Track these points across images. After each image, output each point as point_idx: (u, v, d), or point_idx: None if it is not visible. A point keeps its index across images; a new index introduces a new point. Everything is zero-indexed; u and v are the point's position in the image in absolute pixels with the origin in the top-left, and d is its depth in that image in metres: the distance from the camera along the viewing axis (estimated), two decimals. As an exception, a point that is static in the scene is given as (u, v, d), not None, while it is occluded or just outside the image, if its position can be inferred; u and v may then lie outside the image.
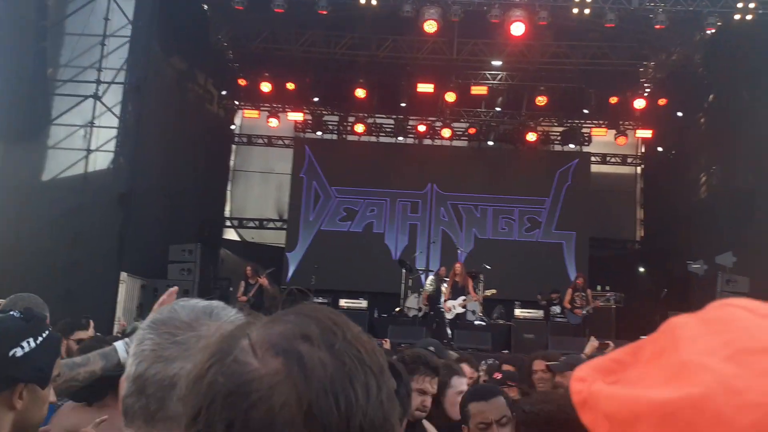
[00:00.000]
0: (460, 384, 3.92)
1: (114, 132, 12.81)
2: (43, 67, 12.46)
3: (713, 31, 13.36)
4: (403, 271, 15.61)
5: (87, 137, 12.55)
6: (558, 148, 19.61)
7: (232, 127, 19.75)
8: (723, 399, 0.50)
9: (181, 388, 1.08)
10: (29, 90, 12.33)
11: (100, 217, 11.91)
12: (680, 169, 16.96)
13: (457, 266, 13.40)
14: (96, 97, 12.56)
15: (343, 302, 14.36)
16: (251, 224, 19.90)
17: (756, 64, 13.51)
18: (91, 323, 5.04)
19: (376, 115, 19.30)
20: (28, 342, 1.76)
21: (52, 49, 12.64)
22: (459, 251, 17.12)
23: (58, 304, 9.92)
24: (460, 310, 13.06)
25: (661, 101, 17.43)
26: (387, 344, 7.67)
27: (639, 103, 17.48)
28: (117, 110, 12.82)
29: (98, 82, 12.64)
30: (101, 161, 12.72)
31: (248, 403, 0.77)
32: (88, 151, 12.48)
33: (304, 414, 0.76)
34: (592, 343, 6.30)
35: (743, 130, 13.93)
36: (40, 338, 1.79)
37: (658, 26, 12.99)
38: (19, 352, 1.73)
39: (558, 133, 19.53)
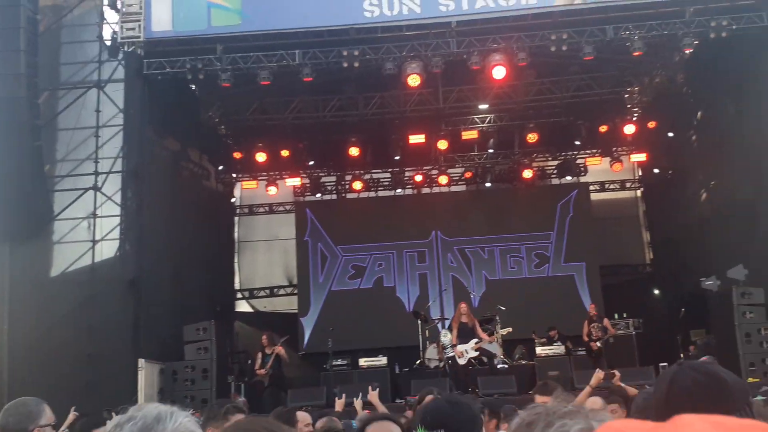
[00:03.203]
0: None
1: (117, 220, 12.92)
2: (41, 165, 12.63)
3: (691, 50, 13.56)
4: (419, 322, 15.52)
5: (91, 228, 12.68)
6: (556, 181, 19.72)
7: (233, 199, 19.92)
8: None
9: None
10: (29, 189, 12.50)
11: (112, 306, 11.96)
12: (679, 188, 17.01)
13: (462, 306, 12.89)
14: (96, 188, 12.74)
15: (362, 362, 14.14)
16: (262, 293, 19.90)
17: (738, 77, 13.68)
18: (113, 416, 4.96)
19: (372, 171, 19.49)
20: None
21: (48, 146, 12.80)
22: (472, 295, 17.09)
23: (82, 396, 10.00)
24: (474, 353, 12.55)
25: (651, 124, 17.59)
26: (338, 405, 7.62)
27: (629, 129, 17.65)
28: (117, 198, 12.97)
29: (96, 173, 12.83)
30: (107, 250, 12.79)
31: None
32: (94, 242, 12.59)
33: None
34: (598, 374, 6.33)
35: (734, 142, 14.04)
36: None
37: (636, 53, 13.15)
38: None
39: (553, 167, 19.66)
